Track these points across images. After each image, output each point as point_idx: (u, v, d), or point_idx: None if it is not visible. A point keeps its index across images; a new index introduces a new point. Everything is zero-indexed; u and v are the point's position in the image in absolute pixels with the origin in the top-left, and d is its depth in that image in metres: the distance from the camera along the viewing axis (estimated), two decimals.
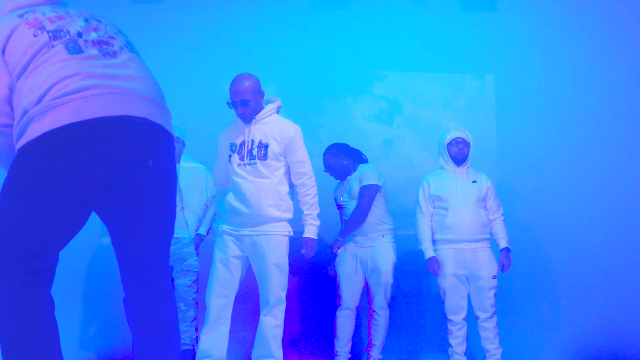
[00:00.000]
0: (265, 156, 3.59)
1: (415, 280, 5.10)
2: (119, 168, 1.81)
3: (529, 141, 5.08)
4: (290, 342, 4.92)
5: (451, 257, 4.23)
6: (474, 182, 4.32)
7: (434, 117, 5.48)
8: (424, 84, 5.53)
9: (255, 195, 3.58)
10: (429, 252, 4.27)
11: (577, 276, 4.92)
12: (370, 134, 5.39)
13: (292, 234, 3.69)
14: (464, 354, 4.25)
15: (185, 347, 4.17)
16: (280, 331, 3.62)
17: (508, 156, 5.22)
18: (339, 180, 4.55)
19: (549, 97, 5.19)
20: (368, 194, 4.33)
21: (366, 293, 4.44)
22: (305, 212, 3.69)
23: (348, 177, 4.46)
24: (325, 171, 4.50)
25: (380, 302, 4.33)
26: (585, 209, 4.97)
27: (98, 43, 1.91)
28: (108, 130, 1.77)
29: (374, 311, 4.35)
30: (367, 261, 4.35)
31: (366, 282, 4.40)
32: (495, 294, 4.24)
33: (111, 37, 1.96)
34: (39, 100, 1.75)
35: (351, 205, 4.38)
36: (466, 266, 4.23)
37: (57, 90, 1.76)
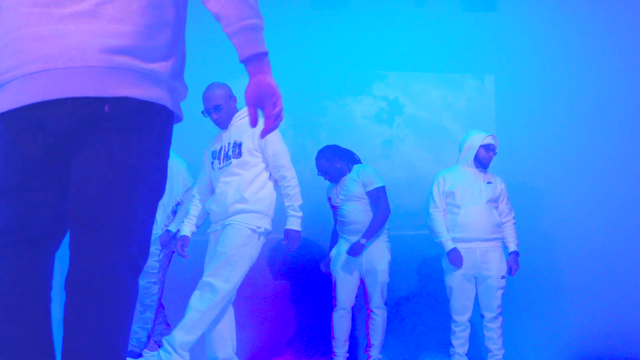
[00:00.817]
0: (239, 154, 3.58)
1: (415, 280, 5.10)
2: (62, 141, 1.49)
3: (528, 141, 5.08)
4: (287, 343, 4.93)
5: (462, 255, 4.21)
6: (489, 183, 4.32)
7: (434, 117, 5.49)
8: (424, 84, 5.53)
9: (224, 193, 3.57)
10: (449, 244, 4.20)
11: (579, 277, 4.91)
12: (370, 134, 5.39)
13: (261, 229, 3.53)
14: (465, 355, 4.24)
15: (130, 349, 4.06)
16: (197, 317, 3.35)
17: (508, 156, 5.21)
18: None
19: (548, 97, 5.19)
20: (383, 195, 4.34)
21: (362, 293, 4.43)
22: (286, 203, 3.60)
23: (343, 178, 4.44)
24: (318, 175, 4.46)
25: (377, 302, 4.32)
26: (586, 209, 4.96)
27: None
28: (44, 116, 1.46)
29: (372, 311, 4.34)
30: (363, 261, 4.33)
31: (362, 282, 4.39)
32: (502, 294, 4.23)
33: None
34: None
35: (346, 206, 4.37)
36: (476, 265, 4.22)
37: (1, 60, 1.49)
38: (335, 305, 4.38)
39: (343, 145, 4.56)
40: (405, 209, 4.86)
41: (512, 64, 5.29)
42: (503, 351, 4.22)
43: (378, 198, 4.34)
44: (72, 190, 1.50)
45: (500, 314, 4.22)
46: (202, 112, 3.70)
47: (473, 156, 4.31)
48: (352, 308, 4.40)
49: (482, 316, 4.25)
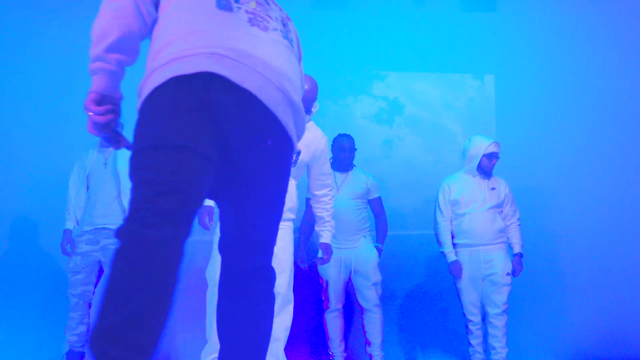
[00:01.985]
0: (294, 162, 3.52)
1: (415, 280, 5.10)
2: (237, 137, 1.64)
3: (528, 141, 5.09)
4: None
5: (466, 258, 4.27)
6: (493, 189, 4.36)
7: (434, 117, 5.49)
8: (424, 84, 5.53)
9: None
10: (451, 256, 4.30)
11: (580, 277, 4.91)
12: (370, 134, 5.39)
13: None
14: (485, 352, 4.27)
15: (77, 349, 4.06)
16: (287, 334, 3.48)
17: (507, 156, 5.20)
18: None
19: (549, 97, 5.19)
20: (382, 204, 4.54)
21: (353, 293, 4.43)
22: (326, 219, 3.68)
23: (348, 173, 4.47)
24: (332, 149, 4.43)
25: (373, 300, 4.33)
26: (586, 209, 4.96)
27: (252, 13, 1.74)
28: (228, 94, 1.60)
29: (368, 310, 4.34)
30: (351, 262, 4.37)
31: (350, 282, 4.40)
32: (509, 292, 4.24)
33: (269, 17, 1.79)
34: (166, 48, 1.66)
35: (342, 202, 4.36)
36: (480, 265, 4.26)
37: (195, 40, 1.62)
38: (328, 307, 4.40)
39: None
40: (406, 208, 4.86)
41: (512, 64, 5.29)
42: (506, 350, 4.21)
43: (380, 207, 4.53)
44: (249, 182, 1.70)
45: (505, 311, 4.22)
46: None
47: (476, 165, 4.35)
48: (343, 307, 4.43)
49: (487, 313, 4.25)
